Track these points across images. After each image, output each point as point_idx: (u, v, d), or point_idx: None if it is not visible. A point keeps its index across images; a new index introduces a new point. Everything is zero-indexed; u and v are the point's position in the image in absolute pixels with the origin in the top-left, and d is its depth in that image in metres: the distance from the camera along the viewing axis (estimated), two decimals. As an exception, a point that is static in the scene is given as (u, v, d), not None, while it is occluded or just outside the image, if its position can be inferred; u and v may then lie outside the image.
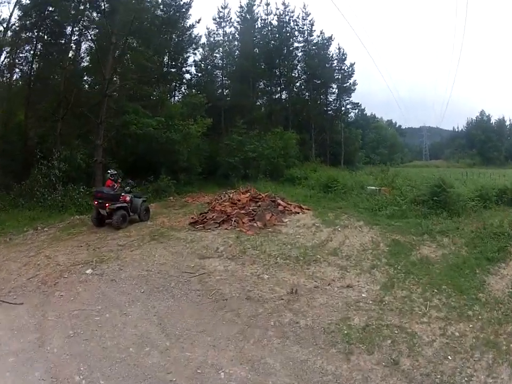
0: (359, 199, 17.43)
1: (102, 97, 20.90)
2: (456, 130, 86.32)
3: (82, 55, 25.18)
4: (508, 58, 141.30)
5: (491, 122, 70.62)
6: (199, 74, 37.01)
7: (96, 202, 13.36)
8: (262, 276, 8.79)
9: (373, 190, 18.38)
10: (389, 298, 7.74)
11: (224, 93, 37.14)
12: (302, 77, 42.69)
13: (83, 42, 24.05)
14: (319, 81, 42.02)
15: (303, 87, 43.32)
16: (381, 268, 9.34)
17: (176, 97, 34.95)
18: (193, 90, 32.07)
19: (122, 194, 13.84)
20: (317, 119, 40.89)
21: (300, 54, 41.08)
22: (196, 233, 12.27)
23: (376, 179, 21.86)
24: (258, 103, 39.88)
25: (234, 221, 13.09)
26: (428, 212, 14.08)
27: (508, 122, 70.93)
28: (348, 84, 43.66)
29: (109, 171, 14.51)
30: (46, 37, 22.68)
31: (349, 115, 47.74)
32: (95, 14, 22.93)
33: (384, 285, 8.36)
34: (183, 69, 35.50)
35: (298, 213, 15.24)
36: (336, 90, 44.01)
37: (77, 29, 22.98)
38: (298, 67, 41.88)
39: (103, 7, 21.39)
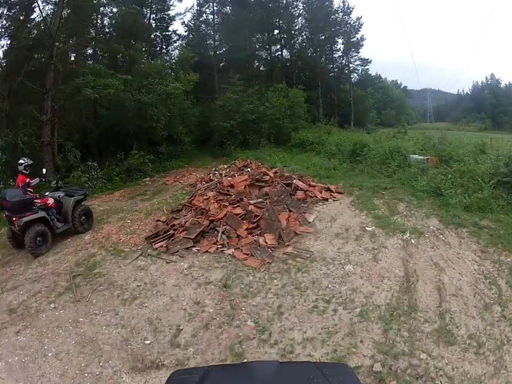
0: (408, 174, 11.47)
1: (47, 60, 14.38)
2: (461, 93, 78.36)
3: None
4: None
5: (501, 86, 63.35)
6: (190, 35, 30.40)
7: (4, 215, 7.49)
8: None
9: (419, 161, 12.30)
10: None
11: (218, 52, 30.37)
12: (304, 33, 35.52)
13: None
14: (323, 36, 34.90)
15: (305, 43, 36.21)
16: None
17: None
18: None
19: (45, 195, 7.97)
20: (323, 76, 34.11)
21: (300, 5, 33.85)
22: (149, 266, 6.30)
23: (414, 144, 15.41)
24: (257, 63, 33.04)
25: (223, 233, 7.13)
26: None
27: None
28: (355, 38, 36.38)
29: (20, 160, 8.25)
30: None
31: (357, 72, 40.30)
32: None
33: None
34: (170, 28, 28.98)
35: (327, 199, 9.40)
36: (342, 46, 36.74)
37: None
38: (299, 20, 34.59)
39: None
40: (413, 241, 6.74)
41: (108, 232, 8.15)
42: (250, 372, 2.12)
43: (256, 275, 5.64)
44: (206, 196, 8.96)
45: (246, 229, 7.27)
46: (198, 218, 7.75)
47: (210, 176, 12.23)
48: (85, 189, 9.86)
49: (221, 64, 29.50)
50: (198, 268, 6.01)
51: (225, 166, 13.20)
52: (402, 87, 77.61)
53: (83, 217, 8.44)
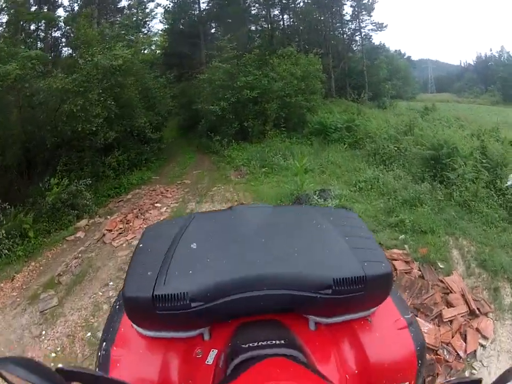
0: None
1: None
2: (464, 64, 71.01)
3: None
4: None
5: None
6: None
7: None
8: None
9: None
10: None
11: (204, 14, 23.00)
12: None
13: None
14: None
15: (308, 6, 28.57)
16: None
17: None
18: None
19: None
20: (333, 43, 27.04)
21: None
22: None
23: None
24: (253, 27, 25.61)
25: None
26: None
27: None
28: (366, 0, 28.57)
29: None
30: None
31: (370, 38, 32.21)
32: None
33: None
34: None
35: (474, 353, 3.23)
36: (351, 9, 29.00)
37: None
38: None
39: None
40: None
41: None
42: (240, 214, 1.39)
43: None
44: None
45: None
46: None
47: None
48: None
49: (210, 31, 23.05)
50: None
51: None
52: (406, 56, 70.11)
53: None
